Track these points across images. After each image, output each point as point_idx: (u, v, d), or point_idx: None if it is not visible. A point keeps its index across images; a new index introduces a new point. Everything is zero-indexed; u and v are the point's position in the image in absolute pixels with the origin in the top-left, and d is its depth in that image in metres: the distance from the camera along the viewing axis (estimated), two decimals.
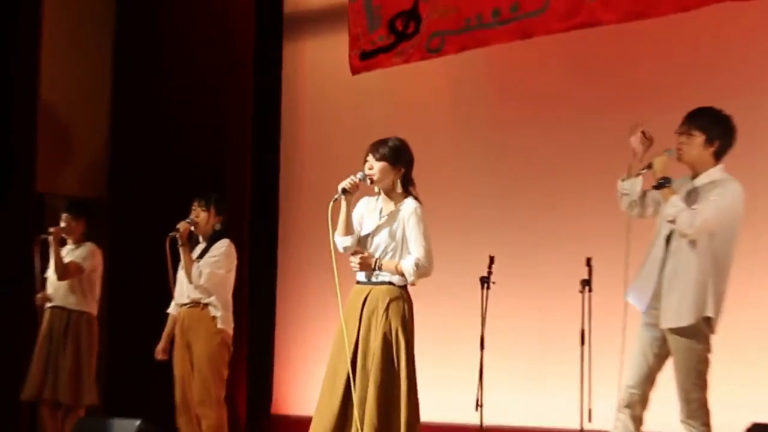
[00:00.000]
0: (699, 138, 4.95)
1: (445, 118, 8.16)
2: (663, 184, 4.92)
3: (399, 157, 5.26)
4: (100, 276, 7.59)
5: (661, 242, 5.00)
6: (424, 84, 8.09)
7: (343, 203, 5.21)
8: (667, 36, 6.91)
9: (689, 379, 4.87)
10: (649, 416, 5.07)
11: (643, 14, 6.31)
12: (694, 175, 5.01)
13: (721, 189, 4.89)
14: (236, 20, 8.86)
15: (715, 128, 4.96)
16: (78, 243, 7.55)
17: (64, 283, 7.42)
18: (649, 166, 4.99)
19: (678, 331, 4.88)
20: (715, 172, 4.97)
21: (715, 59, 6.87)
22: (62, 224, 7.49)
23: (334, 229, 5.22)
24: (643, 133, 5.05)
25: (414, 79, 7.95)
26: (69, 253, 7.52)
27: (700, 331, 4.87)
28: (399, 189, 5.28)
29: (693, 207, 4.84)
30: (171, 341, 6.85)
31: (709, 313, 4.84)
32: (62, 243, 7.54)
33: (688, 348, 4.87)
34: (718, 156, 4.99)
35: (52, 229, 7.39)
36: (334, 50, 7.97)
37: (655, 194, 5.05)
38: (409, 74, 7.70)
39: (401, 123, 7.70)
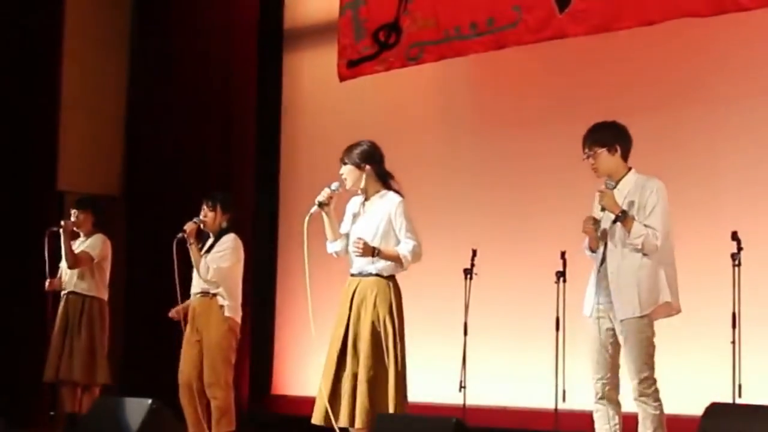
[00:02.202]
0: (601, 150, 5.20)
1: (432, 124, 8.31)
2: (621, 217, 5.09)
3: (363, 158, 5.52)
4: (109, 264, 7.79)
5: (601, 246, 5.22)
6: (413, 91, 8.25)
7: (324, 213, 5.44)
8: (640, 46, 7.02)
9: (640, 360, 5.07)
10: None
11: (608, 28, 6.48)
12: (616, 183, 5.20)
13: (650, 192, 5.13)
14: (240, 35, 9.16)
15: (608, 136, 5.23)
16: (88, 235, 7.78)
17: (76, 271, 7.63)
18: (603, 209, 5.15)
19: (630, 320, 5.10)
20: (631, 177, 5.22)
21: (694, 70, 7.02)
22: (72, 218, 7.72)
23: (310, 240, 5.38)
24: (593, 219, 5.22)
25: (402, 86, 8.13)
26: (80, 244, 7.75)
27: (647, 317, 5.10)
28: (364, 184, 5.52)
29: (646, 224, 5.05)
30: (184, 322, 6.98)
31: (667, 299, 5.09)
32: (75, 236, 7.75)
33: (638, 332, 5.08)
34: (625, 158, 5.25)
35: (63, 222, 7.61)
36: (328, 61, 8.05)
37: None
38: (398, 82, 7.90)
39: (391, 126, 8.05)
